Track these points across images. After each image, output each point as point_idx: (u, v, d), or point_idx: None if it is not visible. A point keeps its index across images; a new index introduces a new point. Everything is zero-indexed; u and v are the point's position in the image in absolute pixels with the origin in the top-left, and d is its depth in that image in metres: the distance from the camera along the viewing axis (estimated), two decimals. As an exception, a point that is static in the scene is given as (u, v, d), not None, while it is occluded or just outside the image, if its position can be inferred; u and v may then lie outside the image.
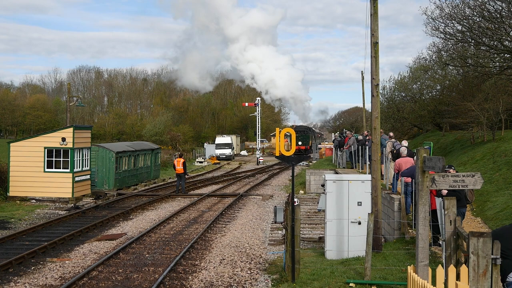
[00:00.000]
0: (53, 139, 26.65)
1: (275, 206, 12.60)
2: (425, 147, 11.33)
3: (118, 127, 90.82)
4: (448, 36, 29.52)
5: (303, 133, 62.17)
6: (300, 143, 60.52)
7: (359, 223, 13.10)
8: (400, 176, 15.33)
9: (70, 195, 26.30)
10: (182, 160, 29.61)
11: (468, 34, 27.93)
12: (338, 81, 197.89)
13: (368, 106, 36.93)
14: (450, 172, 10.47)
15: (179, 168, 29.26)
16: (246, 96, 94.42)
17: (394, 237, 14.33)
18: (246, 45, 66.84)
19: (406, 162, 15.71)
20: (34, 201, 26.12)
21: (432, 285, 6.89)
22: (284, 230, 14.07)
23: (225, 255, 14.79)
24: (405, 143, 19.14)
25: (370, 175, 13.93)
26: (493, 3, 25.88)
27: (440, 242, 10.90)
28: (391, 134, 23.49)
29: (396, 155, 18.23)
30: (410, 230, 14.04)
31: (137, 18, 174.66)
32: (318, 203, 22.20)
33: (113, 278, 12.50)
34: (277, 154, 11.59)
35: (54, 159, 26.49)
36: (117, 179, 31.29)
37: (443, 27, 28.97)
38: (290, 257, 11.04)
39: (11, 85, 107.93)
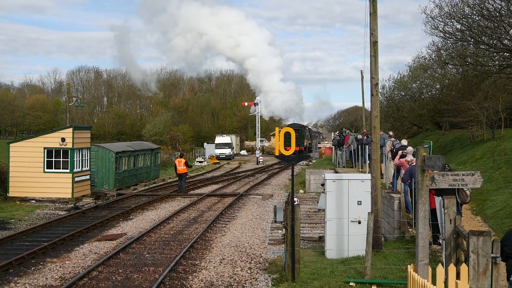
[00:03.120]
0: (52, 140, 26.64)
1: (275, 206, 12.59)
2: (425, 146, 11.34)
3: (117, 127, 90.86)
4: (448, 35, 29.55)
5: (297, 132, 59.74)
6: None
7: (359, 222, 13.10)
8: (401, 181, 15.29)
9: (70, 196, 26.30)
10: (183, 160, 29.61)
11: (468, 33, 27.96)
12: (338, 81, 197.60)
13: (367, 105, 37.02)
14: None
15: (181, 168, 29.22)
16: (246, 96, 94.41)
17: (394, 236, 14.33)
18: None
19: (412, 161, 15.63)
20: (34, 201, 26.12)
21: (432, 284, 6.89)
22: (284, 229, 14.07)
23: (225, 255, 14.79)
24: (404, 142, 19.13)
25: (370, 174, 13.93)
26: (492, 1, 25.91)
27: (440, 241, 10.90)
28: (391, 133, 23.46)
29: (395, 154, 18.19)
30: (410, 229, 14.04)
31: (135, 18, 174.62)
32: (318, 202, 22.18)
33: (113, 278, 12.50)
34: (277, 154, 11.59)
35: (53, 159, 26.48)
36: (116, 179, 31.29)
37: (442, 26, 29.02)
38: (290, 256, 11.04)
39: (11, 86, 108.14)
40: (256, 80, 71.30)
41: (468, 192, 11.48)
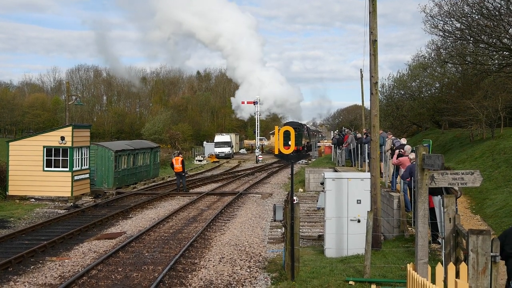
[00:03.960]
0: (52, 138, 26.62)
1: (275, 204, 12.59)
2: (424, 145, 11.32)
3: (117, 125, 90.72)
4: (447, 34, 29.57)
5: (294, 131, 59.31)
6: (290, 143, 58.49)
7: (359, 221, 13.10)
8: (401, 178, 15.31)
9: (69, 194, 26.29)
10: (180, 158, 29.60)
11: (467, 31, 27.96)
12: (337, 79, 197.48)
13: (367, 104, 36.96)
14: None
15: (178, 166, 29.23)
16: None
17: (394, 235, 14.34)
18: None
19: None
20: (33, 200, 26.11)
21: (432, 283, 6.89)
22: (283, 228, 14.07)
23: (224, 254, 14.79)
24: (404, 141, 19.14)
25: (369, 173, 13.93)
26: (492, 0, 25.91)
27: (440, 240, 10.91)
28: (389, 132, 23.49)
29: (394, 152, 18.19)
30: (410, 228, 14.05)
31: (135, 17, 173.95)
32: (317, 201, 22.20)
33: (113, 277, 12.50)
34: (276, 153, 11.58)
35: (53, 158, 26.47)
36: (116, 178, 31.27)
37: (442, 25, 29.03)
38: (290, 255, 11.04)
39: (10, 84, 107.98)
40: (235, 69, 70.94)
41: (456, 187, 11.47)
